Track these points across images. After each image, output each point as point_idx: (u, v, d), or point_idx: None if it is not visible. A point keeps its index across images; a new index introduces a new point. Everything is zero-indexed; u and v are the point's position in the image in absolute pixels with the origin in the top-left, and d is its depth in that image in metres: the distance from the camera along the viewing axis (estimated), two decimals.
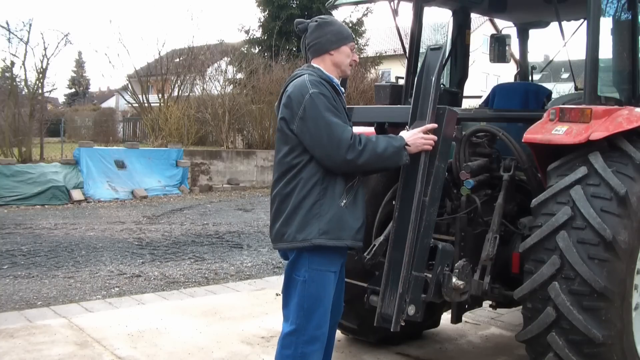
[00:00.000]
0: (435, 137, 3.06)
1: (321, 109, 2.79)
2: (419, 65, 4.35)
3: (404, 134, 3.02)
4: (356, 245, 2.97)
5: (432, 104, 3.07)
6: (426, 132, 3.02)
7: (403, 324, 2.97)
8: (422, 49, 4.85)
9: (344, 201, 2.87)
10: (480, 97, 5.47)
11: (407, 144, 2.95)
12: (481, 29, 21.85)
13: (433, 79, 3.08)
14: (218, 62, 23.37)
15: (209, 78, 22.30)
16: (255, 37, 23.97)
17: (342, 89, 3.07)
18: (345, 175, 2.90)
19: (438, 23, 5.61)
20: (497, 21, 6.90)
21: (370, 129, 3.93)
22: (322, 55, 3.00)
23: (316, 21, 3.04)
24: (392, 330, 2.93)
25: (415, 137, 2.99)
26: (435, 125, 3.05)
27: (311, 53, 3.04)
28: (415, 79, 3.22)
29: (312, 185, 2.84)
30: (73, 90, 53.73)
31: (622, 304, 3.06)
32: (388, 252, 3.12)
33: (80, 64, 54.70)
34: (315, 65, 3.00)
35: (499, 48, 5.71)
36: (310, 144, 2.82)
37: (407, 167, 3.07)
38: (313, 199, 2.84)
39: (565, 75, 28.35)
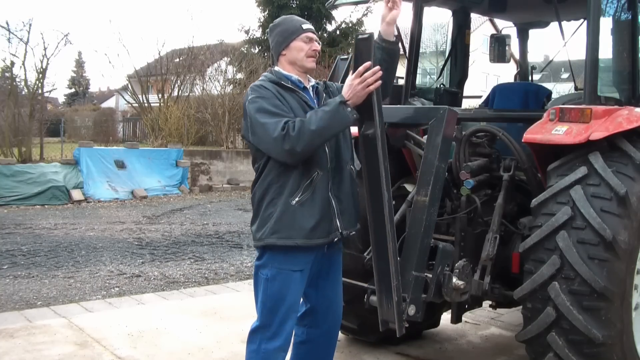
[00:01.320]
0: (373, 65, 2.69)
1: (255, 113, 2.79)
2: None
3: (343, 89, 2.79)
4: (310, 244, 2.86)
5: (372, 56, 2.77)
6: (361, 75, 2.72)
7: (407, 325, 2.96)
8: (422, 49, 4.85)
9: (297, 199, 2.82)
10: (480, 97, 5.47)
11: (345, 101, 2.75)
12: (481, 29, 21.80)
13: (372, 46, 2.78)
14: (218, 62, 23.40)
15: (209, 78, 22.32)
16: (255, 37, 23.94)
17: (308, 84, 3.00)
18: (302, 172, 2.83)
19: (438, 23, 5.60)
20: (497, 21, 6.89)
21: None
22: (278, 58, 3.00)
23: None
24: (397, 335, 2.93)
25: (351, 87, 2.74)
26: (370, 62, 2.71)
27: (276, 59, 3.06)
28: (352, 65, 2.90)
29: (268, 185, 2.87)
30: (73, 90, 53.67)
31: (622, 304, 3.06)
32: (374, 261, 2.99)
33: (80, 64, 54.67)
34: (275, 68, 3.01)
35: (499, 48, 5.71)
36: (263, 148, 2.84)
37: (368, 179, 2.90)
38: (269, 198, 2.87)
39: (565, 75, 28.28)
